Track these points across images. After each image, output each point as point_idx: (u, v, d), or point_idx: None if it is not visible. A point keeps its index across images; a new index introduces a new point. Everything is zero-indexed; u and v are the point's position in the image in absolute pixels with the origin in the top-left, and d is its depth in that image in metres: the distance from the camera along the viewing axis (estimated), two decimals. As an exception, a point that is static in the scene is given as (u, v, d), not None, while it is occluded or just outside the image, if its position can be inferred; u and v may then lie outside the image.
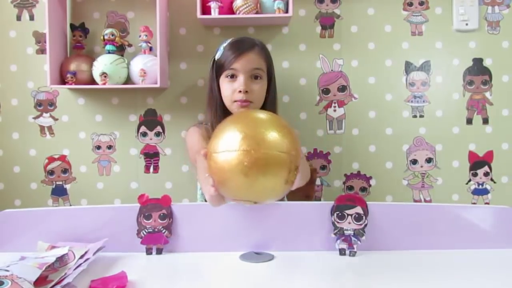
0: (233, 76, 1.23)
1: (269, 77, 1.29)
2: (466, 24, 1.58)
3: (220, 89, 1.27)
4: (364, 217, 0.98)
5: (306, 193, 1.43)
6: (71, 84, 1.50)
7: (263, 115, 0.87)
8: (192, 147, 1.28)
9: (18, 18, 1.61)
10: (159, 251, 0.99)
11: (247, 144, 0.79)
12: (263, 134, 0.81)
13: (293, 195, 1.12)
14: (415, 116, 1.63)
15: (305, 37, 1.62)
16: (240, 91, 1.21)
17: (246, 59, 1.23)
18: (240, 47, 1.25)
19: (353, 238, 0.97)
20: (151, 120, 1.64)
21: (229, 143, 0.80)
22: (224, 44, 1.28)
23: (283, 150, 0.80)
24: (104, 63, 1.47)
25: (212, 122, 1.29)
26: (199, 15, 1.45)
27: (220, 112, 1.28)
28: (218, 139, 0.83)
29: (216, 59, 1.28)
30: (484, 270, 0.90)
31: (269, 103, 1.30)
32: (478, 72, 1.61)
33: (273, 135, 0.81)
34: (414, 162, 1.64)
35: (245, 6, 1.45)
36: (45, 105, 1.63)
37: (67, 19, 1.59)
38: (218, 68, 1.27)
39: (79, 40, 1.57)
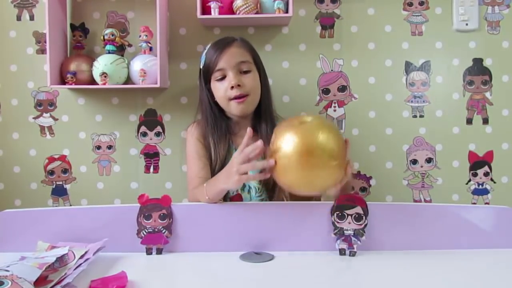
0: (223, 78, 1.23)
1: (258, 69, 1.28)
2: (466, 24, 1.58)
3: (213, 94, 1.26)
4: (364, 217, 0.98)
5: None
6: (71, 84, 1.50)
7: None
8: (188, 153, 1.31)
9: (18, 18, 1.61)
10: (159, 251, 0.99)
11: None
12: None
13: (294, 195, 1.12)
14: (415, 116, 1.62)
15: (305, 37, 1.61)
16: (232, 87, 1.20)
17: (229, 54, 1.22)
18: (220, 45, 1.25)
19: (353, 238, 0.97)
20: (151, 120, 1.64)
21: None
22: (205, 51, 1.28)
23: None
24: (104, 63, 1.46)
25: (205, 133, 1.28)
26: (199, 15, 1.45)
27: (212, 122, 1.27)
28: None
29: (201, 67, 1.28)
30: (484, 270, 0.90)
31: (264, 96, 1.29)
32: (478, 72, 1.61)
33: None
34: (414, 162, 1.64)
35: (245, 6, 1.44)
36: (45, 105, 1.63)
37: (67, 19, 1.59)
38: (206, 74, 1.26)
39: (79, 40, 1.58)
